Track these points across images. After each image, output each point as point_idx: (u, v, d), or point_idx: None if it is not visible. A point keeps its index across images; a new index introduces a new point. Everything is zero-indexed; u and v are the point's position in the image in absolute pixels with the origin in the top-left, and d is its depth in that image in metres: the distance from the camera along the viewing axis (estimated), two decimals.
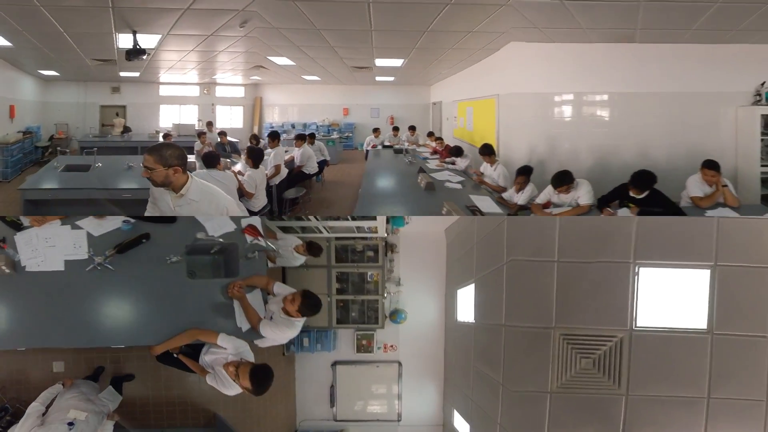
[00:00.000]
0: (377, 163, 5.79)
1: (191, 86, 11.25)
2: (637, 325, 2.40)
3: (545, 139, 4.67)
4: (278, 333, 2.55)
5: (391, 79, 8.77)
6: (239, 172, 4.16)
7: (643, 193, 3.08)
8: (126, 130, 9.80)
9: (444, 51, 5.42)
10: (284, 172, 5.13)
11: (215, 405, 3.92)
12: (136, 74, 8.90)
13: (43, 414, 2.53)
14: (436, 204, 3.48)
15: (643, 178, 3.06)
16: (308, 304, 2.44)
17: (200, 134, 7.03)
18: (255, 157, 3.97)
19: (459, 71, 7.41)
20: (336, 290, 4.63)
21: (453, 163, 5.25)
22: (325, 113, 11.46)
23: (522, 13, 3.46)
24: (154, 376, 3.74)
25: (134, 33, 4.62)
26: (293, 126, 11.48)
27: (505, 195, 3.86)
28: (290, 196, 5.00)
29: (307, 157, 5.82)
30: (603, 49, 4.15)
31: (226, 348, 2.36)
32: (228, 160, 5.42)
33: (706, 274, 2.26)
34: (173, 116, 11.12)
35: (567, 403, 2.57)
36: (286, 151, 5.86)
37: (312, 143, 6.56)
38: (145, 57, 5.02)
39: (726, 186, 3.17)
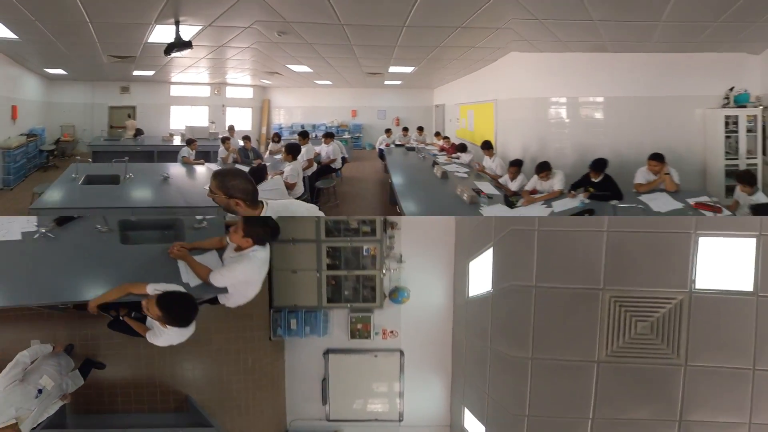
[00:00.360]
0: (395, 159, 6.35)
1: (202, 87, 10.90)
2: (697, 287, 2.21)
3: (537, 139, 5.32)
4: (231, 273, 2.36)
5: (399, 83, 9.47)
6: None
7: (599, 176, 3.84)
8: (138, 132, 9.26)
9: (450, 61, 6.12)
10: (314, 165, 5.85)
11: (187, 387, 3.65)
12: (150, 73, 8.33)
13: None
14: (451, 188, 4.22)
15: (599, 163, 3.88)
16: (253, 223, 2.15)
17: (224, 140, 6.53)
18: (293, 151, 4.54)
19: (461, 77, 8.06)
20: (327, 266, 4.06)
21: (458, 158, 6.01)
22: (334, 115, 12.04)
23: (518, 31, 4.17)
24: (122, 357, 3.51)
25: (177, 23, 4.10)
26: (302, 127, 11.87)
27: (501, 180, 4.66)
28: (321, 186, 5.61)
29: (335, 152, 6.49)
30: (583, 59, 4.81)
31: None
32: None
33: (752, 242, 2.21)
34: (184, 118, 10.70)
35: (617, 376, 2.29)
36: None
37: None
38: (184, 52, 4.38)
39: (668, 174, 3.75)
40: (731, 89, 4.90)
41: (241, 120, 11.84)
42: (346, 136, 11.10)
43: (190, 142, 6.03)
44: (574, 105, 5.25)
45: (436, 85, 10.35)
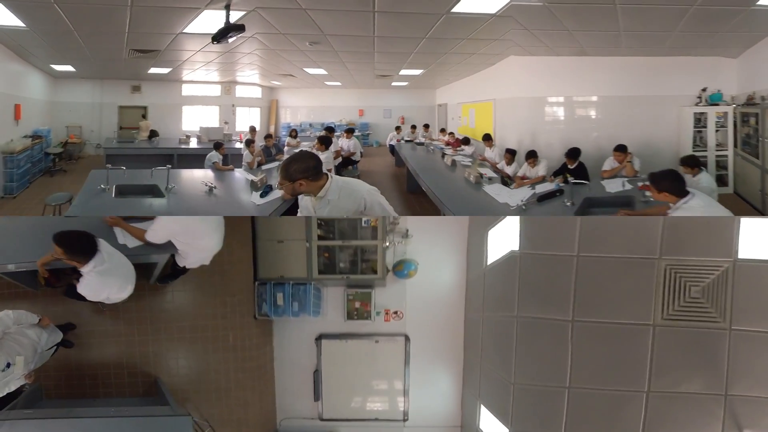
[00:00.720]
0: (407, 153, 6.91)
1: (212, 85, 10.59)
2: (740, 256, 2.27)
3: (530, 134, 5.96)
4: (161, 224, 2.43)
5: (405, 84, 10.13)
6: None
7: (574, 163, 4.58)
8: (153, 134, 8.83)
9: (454, 64, 6.79)
10: (339, 157, 6.64)
11: (157, 369, 3.35)
12: (166, 71, 7.85)
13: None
14: (459, 173, 4.94)
15: (573, 152, 4.64)
16: None
17: (249, 143, 6.13)
18: (326, 142, 5.04)
19: (462, 78, 8.70)
20: (318, 236, 3.55)
21: (462, 150, 6.74)
22: (341, 114, 12.59)
23: (516, 42, 4.87)
24: (88, 337, 3.25)
25: (228, 7, 3.74)
26: (311, 125, 12.62)
27: (498, 166, 5.39)
28: (347, 176, 6.35)
29: (355, 146, 7.20)
30: (571, 62, 5.44)
31: None
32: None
33: None
34: (196, 118, 10.42)
35: (673, 338, 2.30)
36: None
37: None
38: (234, 37, 3.94)
39: (630, 162, 4.35)
40: (704, 90, 5.57)
41: (251, 119, 11.99)
42: (357, 134, 11.85)
43: (218, 146, 5.72)
44: (563, 104, 5.91)
45: (438, 85, 10.97)
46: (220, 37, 3.85)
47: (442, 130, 9.26)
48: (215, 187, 3.91)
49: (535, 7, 3.60)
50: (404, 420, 3.79)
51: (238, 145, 7.90)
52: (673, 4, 3.53)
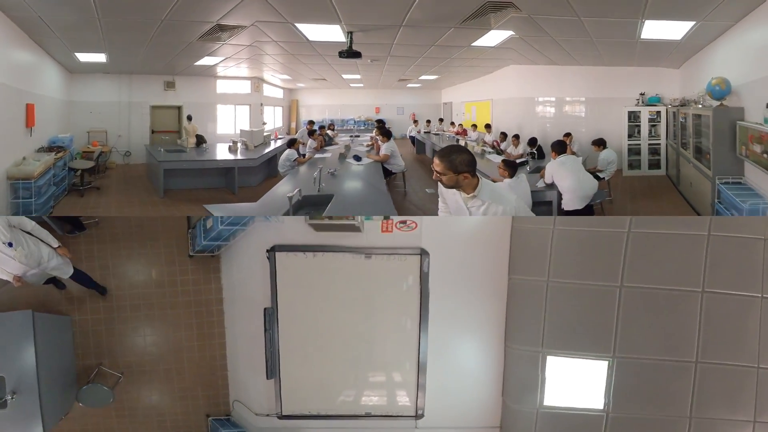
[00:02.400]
0: (434, 140, 9.57)
1: (243, 81, 9.77)
2: None
3: (517, 125, 8.10)
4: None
5: (419, 85, 12.42)
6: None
7: (534, 147, 6.77)
8: (200, 140, 7.91)
9: (461, 70, 9.22)
10: None
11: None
12: (216, 60, 6.88)
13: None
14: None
15: (533, 140, 6.85)
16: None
17: (312, 132, 7.07)
18: (387, 134, 6.42)
19: (464, 81, 11.17)
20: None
21: (469, 137, 9.21)
22: (358, 112, 14.62)
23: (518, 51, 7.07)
24: None
25: (350, 34, 4.52)
26: (332, 121, 14.15)
27: (493, 144, 7.83)
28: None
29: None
30: (543, 70, 7.68)
31: None
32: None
33: None
34: (228, 119, 9.74)
35: None
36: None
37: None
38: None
39: (569, 144, 5.72)
40: (642, 94, 7.89)
41: (275, 118, 12.85)
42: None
43: (293, 143, 6.26)
44: (541, 103, 8.20)
45: (443, 87, 13.19)
46: (346, 56, 4.89)
47: (452, 123, 11.78)
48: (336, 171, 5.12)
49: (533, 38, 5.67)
50: (417, 417, 2.83)
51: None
52: (621, 38, 5.37)
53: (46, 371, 2.86)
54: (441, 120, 12.35)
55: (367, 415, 3.03)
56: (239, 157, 7.24)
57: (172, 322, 3.45)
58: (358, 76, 10.14)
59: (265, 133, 8.94)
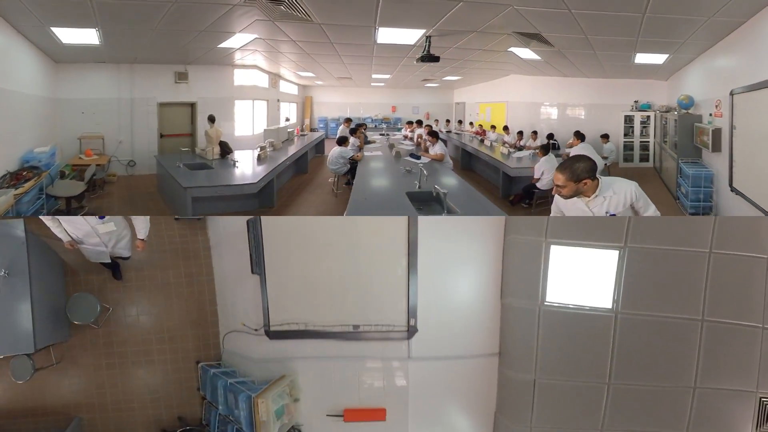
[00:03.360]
0: (465, 141, 11.59)
1: (260, 74, 9.49)
2: None
3: (530, 127, 10.76)
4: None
5: (437, 85, 14.41)
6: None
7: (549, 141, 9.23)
8: (225, 149, 6.69)
9: (479, 72, 11.60)
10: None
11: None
12: (240, 42, 5.97)
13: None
14: (489, 150, 9.58)
15: (549, 136, 9.43)
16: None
17: (354, 131, 7.52)
18: (435, 134, 7.37)
19: (479, 83, 13.34)
20: None
21: (488, 136, 11.57)
22: (375, 110, 16.25)
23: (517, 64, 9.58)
24: None
25: (428, 38, 5.34)
26: (349, 119, 15.85)
27: (512, 143, 10.20)
28: None
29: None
30: (553, 81, 10.35)
31: None
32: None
33: None
34: (247, 116, 9.18)
35: None
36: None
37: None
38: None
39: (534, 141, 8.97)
40: (636, 101, 10.45)
41: (290, 115, 13.57)
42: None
43: (343, 141, 6.75)
44: (545, 106, 10.89)
45: (456, 87, 15.08)
46: (425, 60, 5.53)
47: (471, 123, 14.04)
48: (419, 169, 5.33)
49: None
50: (409, 334, 3.12)
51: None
52: (619, 61, 8.03)
53: (36, 269, 3.28)
54: (460, 121, 14.26)
55: (355, 329, 3.07)
56: (273, 164, 6.49)
57: (159, 264, 3.99)
58: (389, 76, 11.50)
59: (288, 130, 9.68)
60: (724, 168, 5.65)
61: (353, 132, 8.19)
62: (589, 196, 2.40)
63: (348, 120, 10.26)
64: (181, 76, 7.61)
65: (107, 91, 7.13)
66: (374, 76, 11.36)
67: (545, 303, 3.04)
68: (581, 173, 2.33)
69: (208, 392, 3.74)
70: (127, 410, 4.06)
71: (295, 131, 10.80)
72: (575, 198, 2.42)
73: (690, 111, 7.22)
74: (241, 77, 8.79)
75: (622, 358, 2.95)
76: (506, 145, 10.40)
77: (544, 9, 4.51)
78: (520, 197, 7.13)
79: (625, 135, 10.03)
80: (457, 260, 3.21)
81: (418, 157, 7.06)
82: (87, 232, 3.32)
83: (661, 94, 10.27)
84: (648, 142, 10.19)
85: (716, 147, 5.92)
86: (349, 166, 7.05)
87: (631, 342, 2.93)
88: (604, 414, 2.99)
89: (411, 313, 3.15)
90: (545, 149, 6.96)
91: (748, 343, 2.90)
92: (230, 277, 3.80)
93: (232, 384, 3.31)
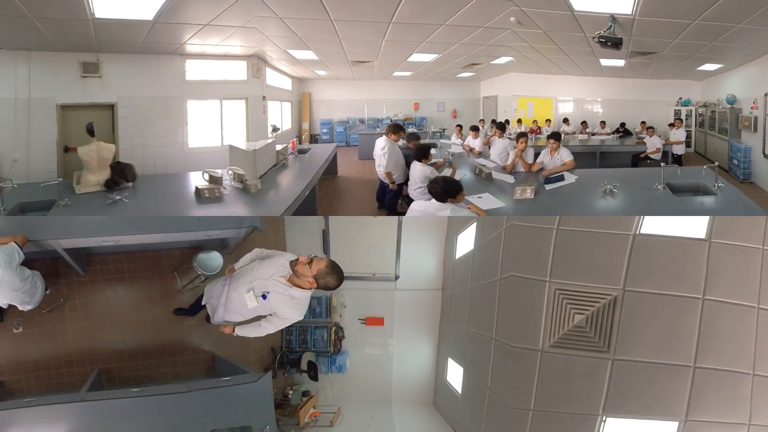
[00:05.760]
0: None
1: (231, 61, 9.20)
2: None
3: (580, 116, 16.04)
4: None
5: (470, 74, 15.18)
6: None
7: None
8: (120, 173, 5.79)
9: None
10: None
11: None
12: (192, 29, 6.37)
13: None
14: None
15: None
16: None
17: (423, 152, 7.38)
18: (503, 127, 10.16)
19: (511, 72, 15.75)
20: None
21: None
22: (393, 108, 17.02)
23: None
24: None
25: (613, 18, 6.43)
26: (361, 121, 16.51)
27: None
28: None
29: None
30: (599, 82, 16.07)
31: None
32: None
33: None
34: (204, 121, 8.87)
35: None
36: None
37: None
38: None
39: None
40: (680, 98, 15.80)
41: (283, 116, 13.81)
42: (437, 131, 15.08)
43: (424, 155, 6.27)
44: (597, 102, 16.85)
45: (483, 77, 16.65)
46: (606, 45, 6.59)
47: (519, 121, 16.21)
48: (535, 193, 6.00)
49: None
50: (395, 278, 7.14)
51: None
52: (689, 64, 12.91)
53: None
54: (507, 122, 14.98)
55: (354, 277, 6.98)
56: (218, 210, 5.28)
57: None
58: (434, 56, 11.27)
59: (277, 148, 7.41)
60: (759, 143, 11.20)
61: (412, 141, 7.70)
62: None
63: (414, 136, 8.41)
64: (88, 68, 7.26)
65: (2, 90, 6.77)
66: (412, 57, 11.03)
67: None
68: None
69: None
70: None
71: (290, 146, 8.84)
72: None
73: (734, 105, 12.69)
74: (192, 67, 8.64)
75: None
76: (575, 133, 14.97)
77: (665, 20, 7.26)
78: None
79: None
80: None
81: (559, 178, 6.79)
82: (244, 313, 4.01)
83: (695, 92, 16.03)
84: (689, 130, 15.81)
85: (755, 129, 11.44)
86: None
87: None
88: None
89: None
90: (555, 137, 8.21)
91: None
92: None
93: None
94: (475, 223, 5.88)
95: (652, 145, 11.88)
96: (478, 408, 5.13)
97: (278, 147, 7.87)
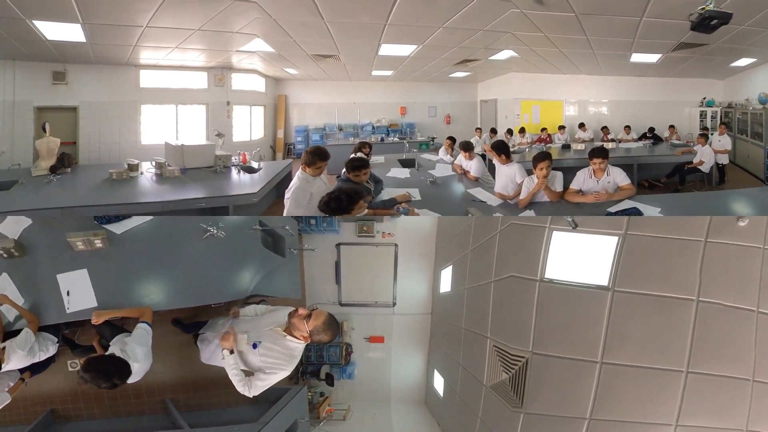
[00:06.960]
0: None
1: (193, 72, 11.81)
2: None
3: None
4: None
5: (466, 74, 14.63)
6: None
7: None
8: (63, 161, 8.50)
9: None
10: None
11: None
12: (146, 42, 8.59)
13: None
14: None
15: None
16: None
17: (457, 144, 9.13)
18: (504, 150, 6.57)
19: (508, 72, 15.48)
20: None
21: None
22: (379, 113, 16.43)
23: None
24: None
25: None
26: (340, 128, 15.70)
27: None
28: None
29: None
30: (613, 81, 16.02)
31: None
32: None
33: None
34: (161, 124, 11.52)
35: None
36: None
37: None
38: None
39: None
40: (704, 98, 15.73)
41: (253, 123, 13.86)
42: (424, 140, 15.15)
43: (469, 147, 8.29)
44: (607, 103, 16.57)
45: (480, 79, 16.34)
46: (702, 27, 5.91)
47: (522, 131, 15.15)
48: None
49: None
50: (393, 305, 8.99)
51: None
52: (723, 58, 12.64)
53: None
54: (509, 131, 14.98)
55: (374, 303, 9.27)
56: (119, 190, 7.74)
57: None
58: (413, 48, 10.73)
59: (217, 153, 8.76)
60: None
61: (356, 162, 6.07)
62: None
63: (366, 144, 9.38)
64: (58, 76, 10.07)
65: None
66: (382, 50, 10.32)
67: None
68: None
69: None
70: None
71: (241, 159, 9.38)
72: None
73: (766, 106, 12.53)
74: (147, 78, 11.46)
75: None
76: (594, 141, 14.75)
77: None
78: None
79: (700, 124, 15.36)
80: None
81: (633, 211, 5.30)
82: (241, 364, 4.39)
83: (716, 91, 16.03)
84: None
85: None
86: None
87: None
88: None
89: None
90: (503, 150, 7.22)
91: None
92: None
93: None
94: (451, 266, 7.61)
95: (705, 155, 11.15)
96: (455, 408, 6.93)
97: (218, 152, 9.35)
